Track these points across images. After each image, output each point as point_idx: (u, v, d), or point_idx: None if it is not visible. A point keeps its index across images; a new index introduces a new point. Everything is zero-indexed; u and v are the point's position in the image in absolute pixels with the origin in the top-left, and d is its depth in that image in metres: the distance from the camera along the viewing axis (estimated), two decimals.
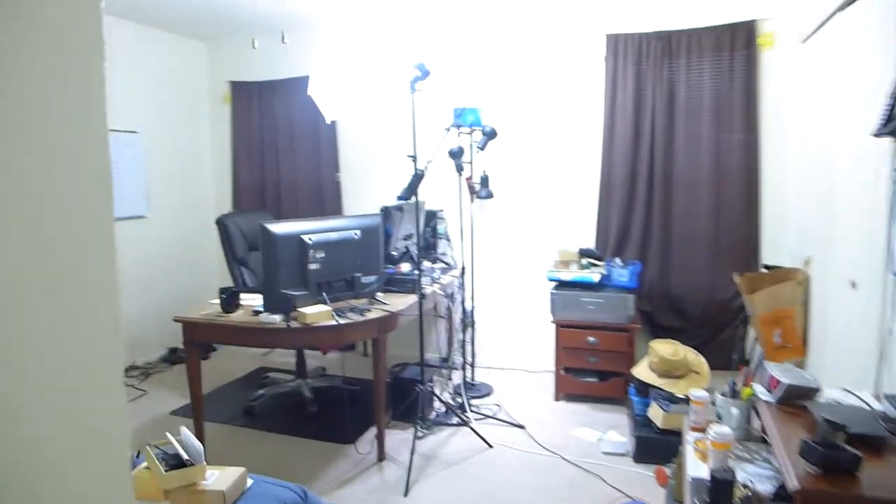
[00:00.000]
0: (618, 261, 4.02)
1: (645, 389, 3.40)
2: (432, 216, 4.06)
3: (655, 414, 3.22)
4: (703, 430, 2.33)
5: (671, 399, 3.19)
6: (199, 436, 3.16)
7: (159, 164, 5.08)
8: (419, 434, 3.34)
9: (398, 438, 3.51)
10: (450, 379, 4.40)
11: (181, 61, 5.29)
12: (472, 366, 4.30)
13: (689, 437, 2.38)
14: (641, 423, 3.30)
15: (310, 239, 2.87)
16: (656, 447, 3.14)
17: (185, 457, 1.75)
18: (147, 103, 4.95)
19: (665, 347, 3.34)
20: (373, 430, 3.57)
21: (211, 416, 3.80)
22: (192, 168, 5.48)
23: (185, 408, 3.85)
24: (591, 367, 3.94)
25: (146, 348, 4.96)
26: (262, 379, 4.31)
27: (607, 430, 3.57)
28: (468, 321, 4.18)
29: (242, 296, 3.32)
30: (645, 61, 4.06)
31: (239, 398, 4.10)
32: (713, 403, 2.48)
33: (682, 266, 4.16)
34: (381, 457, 3.25)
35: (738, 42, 3.88)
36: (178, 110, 5.29)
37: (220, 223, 4.00)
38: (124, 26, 4.70)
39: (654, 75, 4.04)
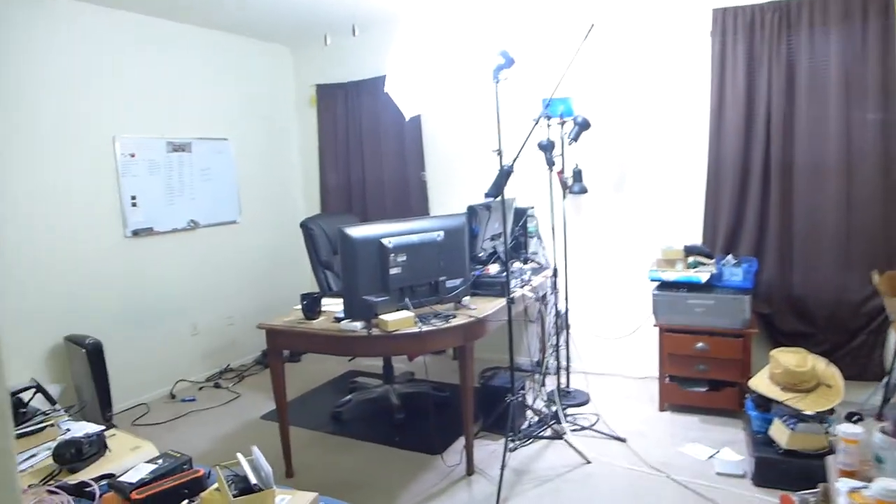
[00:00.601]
0: (730, 258, 3.61)
1: (765, 404, 3.01)
2: (522, 214, 3.81)
3: (779, 433, 2.84)
4: (854, 475, 1.93)
5: (798, 416, 2.79)
6: (285, 443, 3.10)
7: (249, 170, 5.14)
8: (510, 446, 3.12)
9: (488, 450, 3.30)
10: (542, 385, 4.14)
11: (267, 67, 5.33)
12: (567, 371, 4.02)
13: (841, 484, 1.97)
14: (762, 443, 2.92)
15: (389, 242, 2.72)
16: (780, 470, 2.76)
17: (254, 480, 1.63)
18: (236, 110, 5.02)
19: (790, 357, 2.94)
20: (461, 441, 3.39)
21: (299, 420, 3.77)
22: (281, 172, 5.52)
23: (275, 412, 3.82)
24: (700, 376, 3.57)
25: (241, 351, 5.03)
26: (350, 383, 4.24)
27: (720, 447, 3.21)
28: (562, 324, 3.91)
29: (326, 301, 3.23)
30: (759, 36, 3.62)
31: (327, 403, 4.04)
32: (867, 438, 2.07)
33: (805, 263, 3.69)
34: (470, 470, 3.06)
35: (872, 8, 3.37)
36: (266, 115, 5.34)
37: (305, 227, 3.96)
38: (210, 35, 4.77)
39: (770, 51, 3.59)
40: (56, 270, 3.78)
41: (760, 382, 3.06)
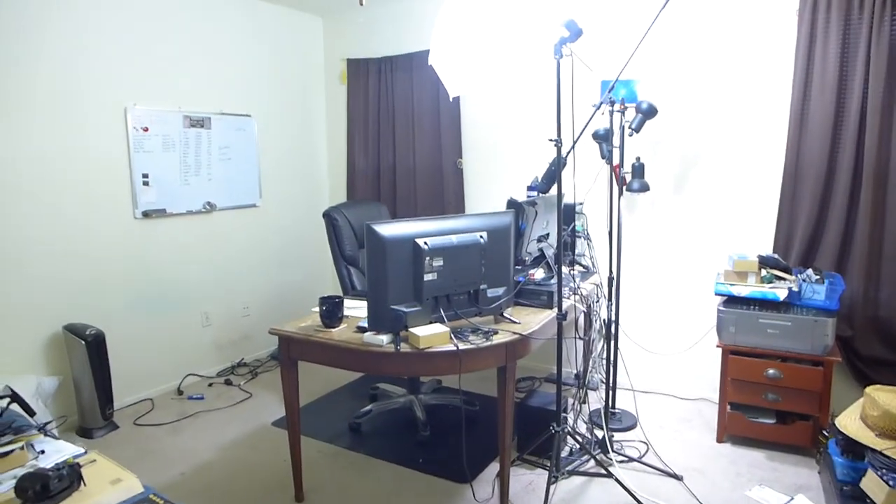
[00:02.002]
0: (810, 273, 3.14)
1: (855, 449, 2.56)
2: (571, 211, 3.38)
3: (875, 488, 2.39)
4: None
5: None
6: (295, 461, 2.74)
7: (272, 150, 4.77)
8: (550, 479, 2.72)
9: (523, 481, 2.91)
10: (583, 402, 3.73)
11: (296, 38, 4.93)
12: (614, 389, 3.60)
13: None
14: (849, 496, 2.48)
15: (426, 243, 2.32)
16: None
17: None
18: (260, 84, 4.63)
19: (893, 398, 2.48)
20: (493, 467, 3.02)
21: (314, 430, 3.42)
22: (307, 154, 5.14)
23: None
24: (769, 406, 3.13)
25: (255, 344, 4.70)
26: (372, 390, 3.86)
27: (794, 492, 2.78)
28: (611, 336, 3.48)
29: (348, 303, 2.85)
30: (857, 13, 3.12)
31: (345, 411, 3.68)
32: None
33: (895, 282, 3.21)
34: None
35: None
36: (293, 91, 4.95)
37: (328, 216, 3.57)
38: (235, 1, 4.38)
39: (871, 33, 3.08)
40: (57, 253, 3.45)
41: (850, 424, 2.61)
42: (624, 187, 3.39)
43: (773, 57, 3.42)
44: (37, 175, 3.33)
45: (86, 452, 1.99)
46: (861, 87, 3.16)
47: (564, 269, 3.21)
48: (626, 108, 3.28)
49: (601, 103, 2.97)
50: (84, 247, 3.57)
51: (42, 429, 2.09)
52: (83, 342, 3.36)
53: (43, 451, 1.98)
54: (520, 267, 3.02)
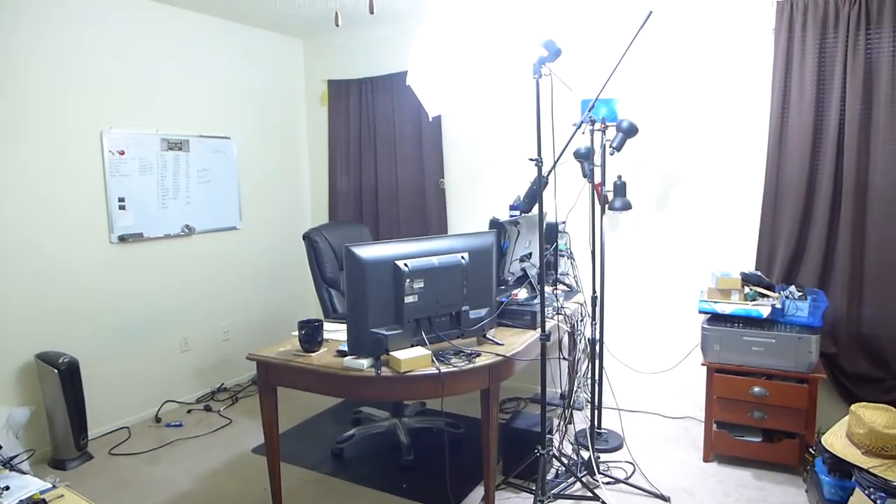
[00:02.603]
0: (793, 290, 3.14)
1: (841, 468, 2.54)
2: (553, 230, 3.36)
3: None
4: None
5: (887, 490, 2.32)
6: (276, 486, 2.66)
7: (253, 171, 4.72)
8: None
9: None
10: (569, 422, 3.68)
11: (277, 60, 4.91)
12: (599, 409, 3.56)
13: None
14: None
15: (406, 265, 2.28)
16: None
17: None
18: (240, 106, 4.60)
19: (877, 415, 2.47)
20: (479, 491, 2.96)
21: (294, 457, 3.34)
22: (288, 175, 5.10)
23: None
24: (755, 424, 3.10)
25: (236, 369, 4.61)
26: (354, 414, 3.79)
27: None
28: (596, 355, 3.45)
29: (328, 326, 2.79)
30: (833, 32, 3.16)
31: (327, 436, 3.60)
32: None
33: (879, 298, 3.21)
34: None
35: None
36: (274, 113, 4.92)
37: (308, 238, 3.52)
38: (215, 24, 4.35)
39: (846, 51, 3.12)
40: (29, 278, 3.36)
41: (836, 442, 2.60)
42: (606, 206, 3.39)
43: (752, 76, 3.46)
44: (8, 200, 3.26)
45: (54, 487, 1.91)
46: (838, 105, 3.19)
47: (547, 289, 3.18)
48: (606, 126, 3.28)
49: (582, 122, 2.97)
50: (57, 272, 3.49)
51: (7, 463, 2.01)
52: (56, 370, 3.27)
53: (7, 487, 1.90)
54: (503, 287, 2.99)
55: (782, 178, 3.38)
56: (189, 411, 4.11)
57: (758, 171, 3.48)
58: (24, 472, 2.07)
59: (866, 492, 2.37)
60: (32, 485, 1.95)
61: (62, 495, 1.87)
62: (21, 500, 1.72)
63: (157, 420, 3.95)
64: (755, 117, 3.47)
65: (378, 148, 4.75)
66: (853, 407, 2.58)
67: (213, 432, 3.77)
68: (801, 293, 3.12)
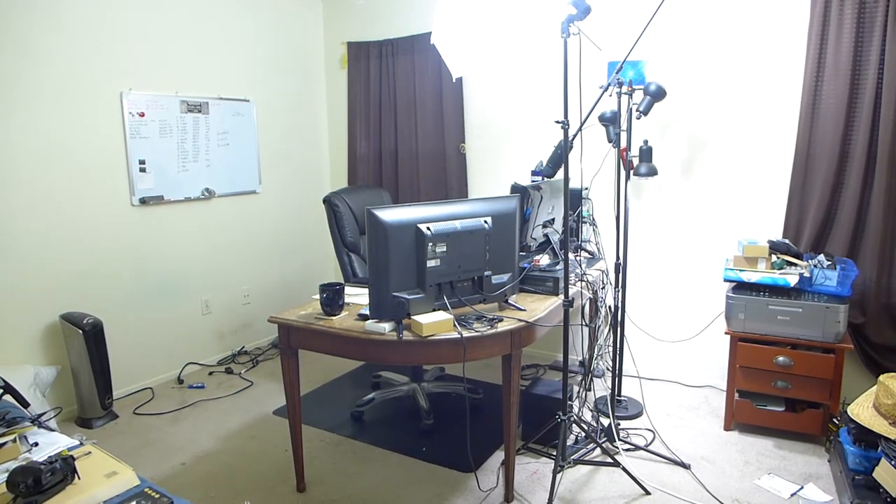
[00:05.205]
0: (821, 259, 3.07)
1: (867, 438, 2.51)
2: (577, 196, 3.30)
3: (889, 477, 2.33)
4: None
5: None
6: (297, 453, 2.70)
7: (272, 135, 4.69)
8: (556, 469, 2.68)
9: (528, 470, 2.86)
10: (589, 390, 3.68)
11: (296, 21, 4.83)
12: (620, 376, 3.54)
13: None
14: (861, 485, 2.43)
15: (429, 229, 2.25)
16: None
17: None
18: (259, 68, 4.54)
19: None
20: (497, 456, 2.97)
21: (315, 419, 3.38)
22: (308, 139, 5.06)
23: None
24: (779, 394, 3.07)
25: (256, 332, 4.65)
26: (374, 378, 3.82)
27: (804, 481, 2.73)
28: (617, 323, 3.42)
29: (349, 290, 2.79)
30: None
31: (346, 399, 3.64)
32: None
33: None
34: (509, 496, 2.62)
35: None
36: (293, 75, 4.86)
37: (329, 202, 3.50)
38: None
39: (887, 13, 2.98)
40: (53, 241, 3.39)
41: (862, 412, 2.55)
42: (631, 171, 3.32)
43: (786, 39, 3.33)
44: (31, 163, 3.26)
45: (81, 444, 1.94)
46: (876, 68, 3.07)
47: (570, 256, 3.14)
48: (633, 89, 3.19)
49: (608, 85, 2.89)
50: (81, 235, 3.51)
51: (36, 420, 2.04)
52: (81, 331, 3.31)
53: (37, 444, 1.94)
54: (524, 253, 2.95)
55: (814, 142, 3.28)
56: (210, 373, 4.16)
57: (788, 136, 3.38)
58: (51, 430, 2.10)
59: (893, 462, 2.34)
60: (60, 441, 1.98)
61: (89, 452, 1.90)
62: (50, 456, 1.74)
63: (180, 381, 4.01)
64: (788, 80, 3.35)
65: (398, 112, 4.68)
66: (882, 377, 2.53)
67: (235, 394, 3.82)
68: (829, 262, 3.05)
